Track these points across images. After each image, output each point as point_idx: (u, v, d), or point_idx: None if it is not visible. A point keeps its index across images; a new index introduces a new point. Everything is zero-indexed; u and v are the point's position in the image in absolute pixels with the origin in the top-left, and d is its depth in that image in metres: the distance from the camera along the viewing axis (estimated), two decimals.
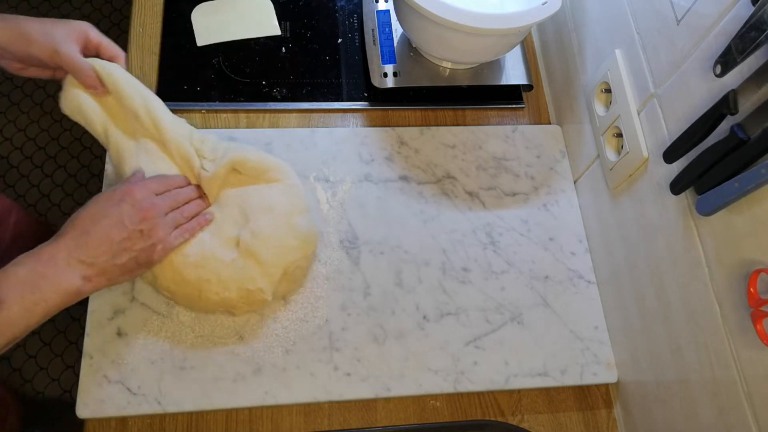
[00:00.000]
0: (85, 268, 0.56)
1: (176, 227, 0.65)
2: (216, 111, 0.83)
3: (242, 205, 0.69)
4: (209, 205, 0.70)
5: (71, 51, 0.63)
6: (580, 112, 0.80)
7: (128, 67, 0.70)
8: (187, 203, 0.67)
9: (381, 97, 0.87)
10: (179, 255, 0.65)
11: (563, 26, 0.85)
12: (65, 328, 1.46)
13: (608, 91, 0.72)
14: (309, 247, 0.71)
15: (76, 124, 0.68)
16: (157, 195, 0.64)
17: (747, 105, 0.49)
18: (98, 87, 0.66)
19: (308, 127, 0.84)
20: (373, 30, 0.89)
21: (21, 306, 0.52)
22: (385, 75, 0.86)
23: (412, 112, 0.88)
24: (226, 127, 0.82)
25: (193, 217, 0.67)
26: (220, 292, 0.66)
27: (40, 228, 1.05)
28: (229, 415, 0.69)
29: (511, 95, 0.91)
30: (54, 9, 1.92)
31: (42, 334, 1.43)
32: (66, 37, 0.63)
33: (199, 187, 0.70)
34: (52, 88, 1.70)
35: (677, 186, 0.58)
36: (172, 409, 0.66)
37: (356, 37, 0.92)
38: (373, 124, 0.86)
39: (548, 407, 0.73)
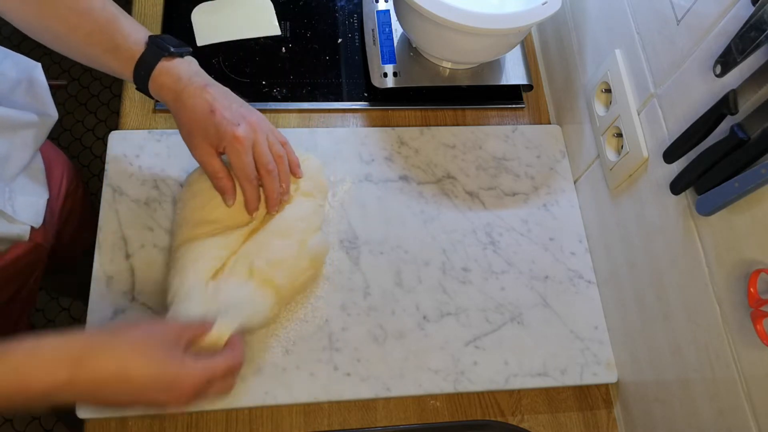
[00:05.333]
0: (79, 398, 0.54)
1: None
2: None
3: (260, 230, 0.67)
4: None
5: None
6: (580, 112, 0.80)
7: None
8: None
9: (381, 97, 0.87)
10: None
11: (563, 26, 0.85)
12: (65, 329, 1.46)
13: (608, 91, 0.72)
14: (319, 263, 0.71)
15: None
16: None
17: (747, 105, 0.49)
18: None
19: (308, 127, 0.84)
20: (373, 30, 0.89)
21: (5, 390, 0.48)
22: (385, 75, 0.86)
23: (412, 112, 0.88)
24: None
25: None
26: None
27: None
28: (229, 415, 0.69)
29: (511, 95, 0.91)
30: None
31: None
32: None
33: None
34: None
35: (677, 186, 0.58)
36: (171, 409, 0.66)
37: (356, 37, 0.92)
38: (373, 124, 0.86)
39: (548, 407, 0.73)
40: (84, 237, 0.90)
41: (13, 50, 0.71)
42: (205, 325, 0.57)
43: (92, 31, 0.61)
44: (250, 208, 0.65)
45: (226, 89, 0.65)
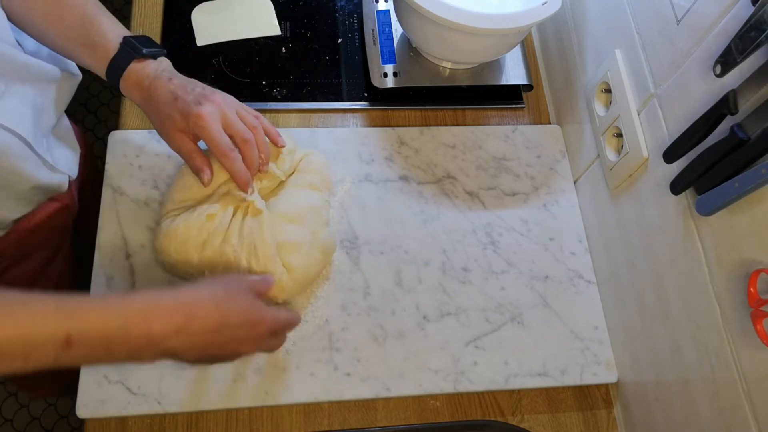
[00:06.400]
0: (171, 357, 0.53)
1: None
2: None
3: (275, 209, 0.68)
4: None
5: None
6: (580, 112, 0.80)
7: None
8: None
9: (381, 97, 0.87)
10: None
11: (563, 26, 0.85)
12: None
13: (608, 91, 0.72)
14: (329, 257, 0.72)
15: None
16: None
17: (747, 105, 0.49)
18: None
19: (308, 127, 0.84)
20: (373, 30, 0.89)
21: (88, 355, 0.49)
22: (385, 75, 0.86)
23: (412, 112, 0.88)
24: None
25: None
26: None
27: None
28: (229, 415, 0.69)
29: (511, 95, 0.91)
30: None
31: None
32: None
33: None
34: None
35: (677, 186, 0.58)
36: (172, 409, 0.66)
37: (356, 37, 0.92)
38: (373, 124, 0.86)
39: (548, 407, 0.73)
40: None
41: None
42: (268, 281, 0.62)
43: (71, 25, 0.63)
44: (239, 182, 0.65)
45: (192, 79, 0.65)
